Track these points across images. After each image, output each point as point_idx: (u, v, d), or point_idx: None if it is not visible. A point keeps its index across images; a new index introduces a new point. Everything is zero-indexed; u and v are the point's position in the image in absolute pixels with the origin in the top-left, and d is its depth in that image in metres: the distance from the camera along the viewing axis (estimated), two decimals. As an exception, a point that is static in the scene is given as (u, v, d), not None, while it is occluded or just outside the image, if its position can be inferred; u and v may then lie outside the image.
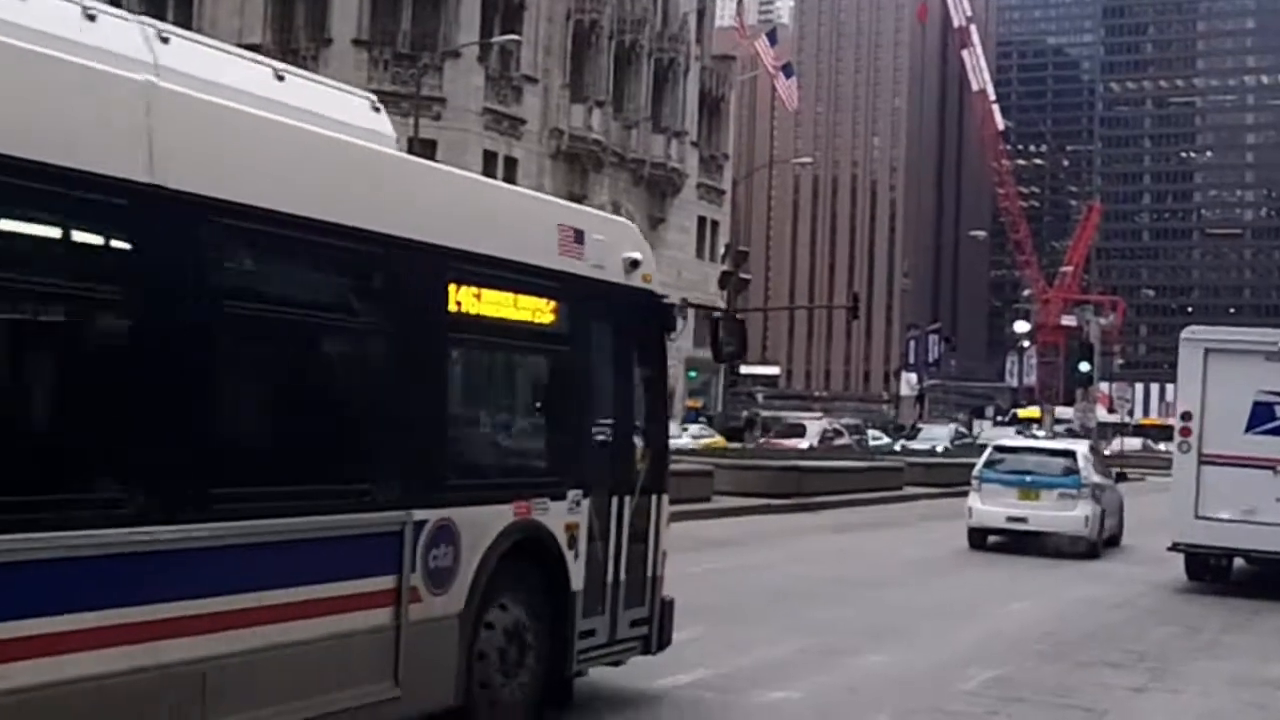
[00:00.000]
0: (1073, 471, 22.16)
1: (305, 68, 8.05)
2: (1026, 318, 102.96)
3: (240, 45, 8.24)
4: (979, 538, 22.26)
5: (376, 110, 7.91)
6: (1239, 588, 17.89)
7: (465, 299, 7.52)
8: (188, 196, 5.76)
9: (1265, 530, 16.73)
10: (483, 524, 7.53)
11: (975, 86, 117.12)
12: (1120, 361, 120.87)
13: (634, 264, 9.00)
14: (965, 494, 23.23)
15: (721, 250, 62.19)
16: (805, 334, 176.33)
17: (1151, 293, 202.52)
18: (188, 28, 7.02)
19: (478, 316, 7.63)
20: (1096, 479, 22.79)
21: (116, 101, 5.60)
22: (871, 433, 61.30)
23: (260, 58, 7.40)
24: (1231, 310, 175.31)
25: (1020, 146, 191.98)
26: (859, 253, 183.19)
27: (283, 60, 7.95)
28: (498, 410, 8.59)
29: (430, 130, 45.06)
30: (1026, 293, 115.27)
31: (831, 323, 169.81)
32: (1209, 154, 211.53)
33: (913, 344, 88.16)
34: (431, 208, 7.40)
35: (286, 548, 6.28)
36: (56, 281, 5.39)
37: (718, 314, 11.09)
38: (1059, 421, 65.42)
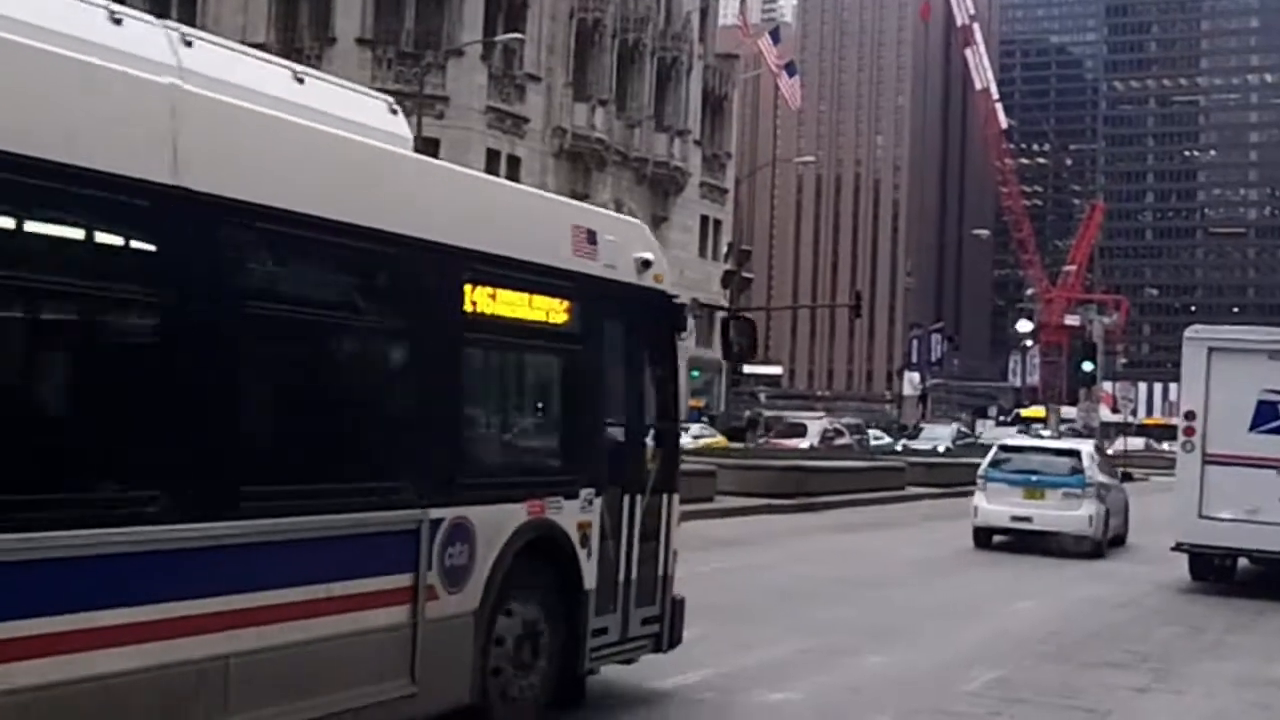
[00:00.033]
0: (1078, 471, 22.22)
1: (309, 66, 8.03)
2: (1030, 317, 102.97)
3: (243, 44, 8.23)
4: (984, 537, 22.34)
5: (394, 112, 8.00)
6: (1243, 588, 17.86)
7: (481, 299, 7.59)
8: (211, 198, 5.84)
9: (1269, 530, 16.68)
10: (497, 522, 7.60)
11: (978, 85, 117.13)
12: (1123, 361, 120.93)
13: (646, 264, 9.06)
14: (968, 494, 23.20)
15: (724, 249, 62.28)
16: (808, 333, 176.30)
17: (1155, 292, 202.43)
18: (191, 26, 7.02)
19: (493, 317, 7.70)
20: (1101, 479, 22.84)
21: (143, 104, 5.69)
22: (872, 432, 61.23)
23: (280, 60, 7.50)
24: (1235, 309, 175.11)
25: (1023, 145, 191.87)
26: (862, 252, 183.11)
27: (286, 59, 7.99)
28: (512, 409, 8.69)
29: (433, 129, 45.07)
30: (1030, 292, 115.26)
31: (834, 322, 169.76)
32: (1212, 153, 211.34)
33: (915, 343, 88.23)
34: (449, 209, 7.47)
35: (308, 545, 6.37)
36: (84, 282, 5.47)
37: (728, 314, 11.02)
38: (1064, 421, 65.39)
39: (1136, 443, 71.26)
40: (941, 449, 52.06)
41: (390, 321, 7.22)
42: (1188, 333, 18.20)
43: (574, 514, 8.20)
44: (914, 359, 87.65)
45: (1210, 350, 17.56)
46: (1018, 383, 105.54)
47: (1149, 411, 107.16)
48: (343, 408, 7.00)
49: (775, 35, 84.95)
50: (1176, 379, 20.54)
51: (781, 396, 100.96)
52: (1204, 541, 17.45)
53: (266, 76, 6.96)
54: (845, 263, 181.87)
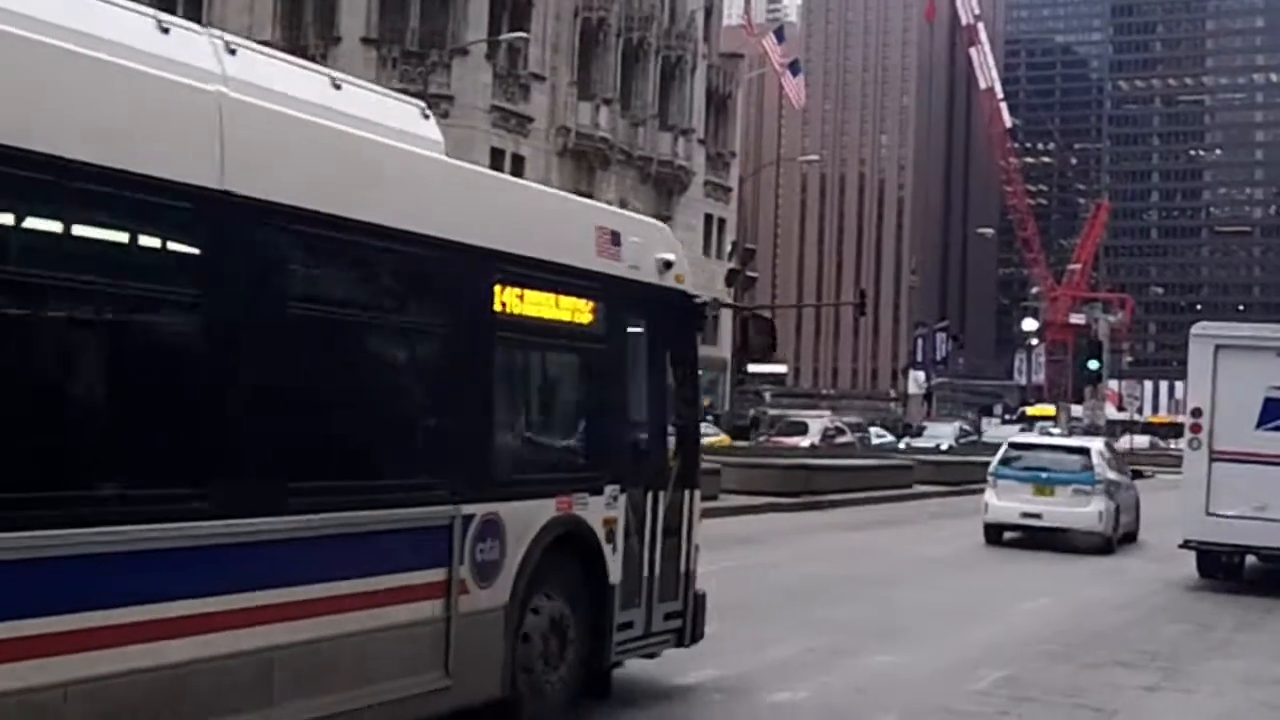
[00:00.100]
0: (1088, 468, 22.34)
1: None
2: (1035, 315, 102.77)
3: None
4: (995, 533, 22.50)
5: (426, 117, 8.14)
6: (1251, 586, 17.80)
7: (511, 300, 7.76)
8: (255, 201, 6.00)
9: (1277, 527, 16.63)
10: (527, 518, 7.75)
11: (983, 84, 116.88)
12: (1129, 359, 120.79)
13: (667, 264, 9.19)
14: (976, 492, 23.18)
15: (728, 248, 62.16)
16: (813, 332, 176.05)
17: (1160, 290, 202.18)
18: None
19: (522, 317, 7.87)
20: (1111, 476, 22.94)
21: (191, 111, 5.87)
22: (874, 430, 61.00)
23: (318, 68, 7.66)
24: (1240, 308, 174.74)
25: (1028, 144, 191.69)
26: (866, 250, 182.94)
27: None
28: (540, 408, 8.82)
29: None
30: (1035, 290, 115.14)
31: (839, 321, 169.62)
32: (1218, 152, 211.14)
33: (920, 342, 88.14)
34: (480, 212, 7.63)
35: (348, 541, 6.53)
36: (133, 284, 5.64)
37: (747, 313, 11.04)
38: (1073, 420, 65.24)
39: (1141, 441, 71.17)
40: (944, 447, 51.98)
41: (425, 322, 7.41)
42: (1194, 330, 18.14)
43: (599, 510, 8.34)
44: (919, 358, 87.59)
45: (1217, 348, 17.49)
46: (1023, 381, 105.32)
47: (1154, 410, 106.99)
48: (380, 406, 7.20)
49: (779, 34, 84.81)
50: (1181, 377, 20.54)
51: (786, 395, 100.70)
52: (1212, 539, 17.39)
53: (305, 83, 7.11)
54: (850, 261, 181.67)
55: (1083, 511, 21.95)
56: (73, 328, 5.55)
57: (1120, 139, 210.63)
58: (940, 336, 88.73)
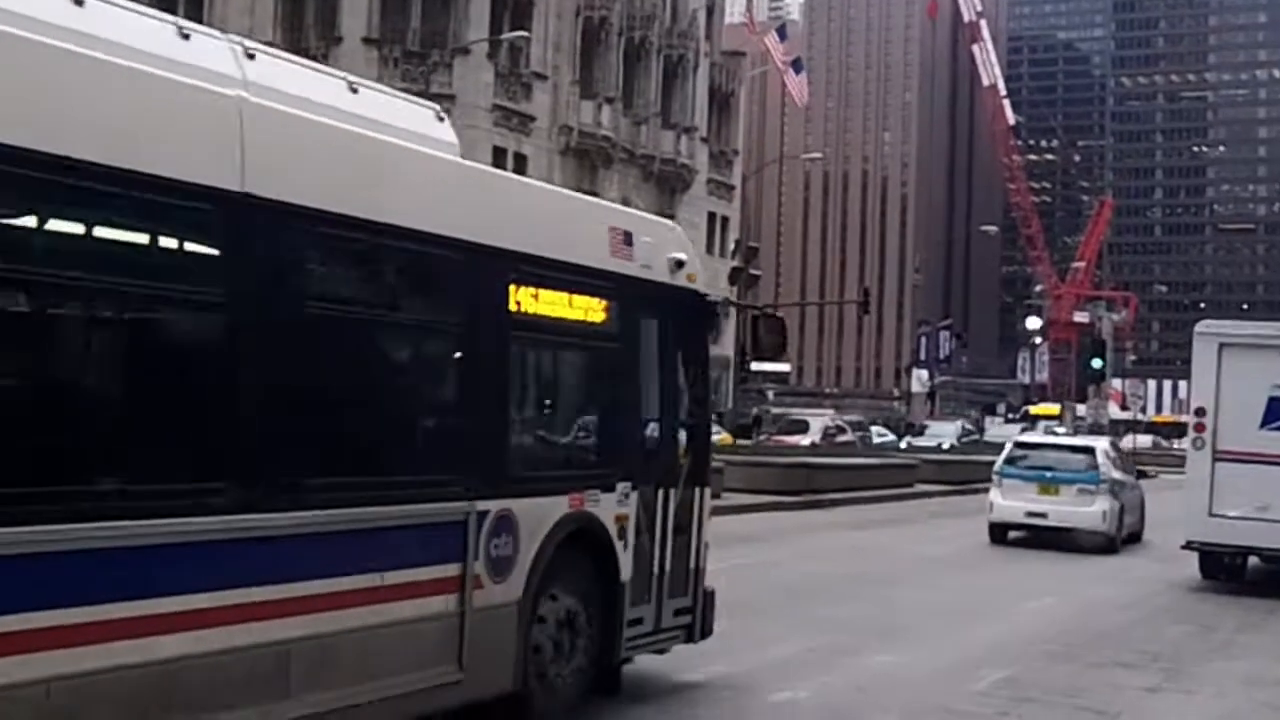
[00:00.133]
0: (1092, 468, 22.43)
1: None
2: (1038, 314, 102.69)
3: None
4: (1000, 532, 22.59)
5: (440, 119, 8.24)
6: (1254, 587, 17.75)
7: (526, 300, 7.87)
8: (275, 203, 6.14)
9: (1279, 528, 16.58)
10: (540, 515, 7.86)
11: (986, 81, 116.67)
12: (1133, 358, 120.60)
13: (679, 264, 9.30)
14: (978, 492, 23.18)
15: (731, 246, 62.10)
16: (816, 330, 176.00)
17: (1164, 288, 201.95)
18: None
19: (537, 316, 7.99)
20: (1116, 475, 23.01)
21: (212, 116, 6.00)
22: (875, 429, 60.76)
23: (335, 71, 7.73)
24: (1244, 306, 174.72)
25: (1031, 141, 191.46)
26: (869, 248, 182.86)
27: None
28: (553, 405, 8.96)
29: (439, 127, 44.94)
30: (1038, 288, 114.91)
31: (842, 319, 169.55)
32: (1221, 149, 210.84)
33: (924, 340, 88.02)
34: (495, 212, 7.73)
35: (364, 536, 6.64)
36: (155, 284, 5.78)
37: (758, 311, 11.13)
38: (1078, 419, 65.10)
39: (1144, 440, 71.07)
40: (946, 446, 51.90)
41: (442, 322, 7.56)
42: (1198, 328, 18.05)
43: (611, 507, 8.44)
44: (922, 356, 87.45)
45: (1221, 346, 17.43)
46: (1026, 380, 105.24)
47: (1158, 409, 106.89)
48: (397, 403, 7.40)
49: (782, 32, 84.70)
50: (1186, 376, 20.46)
51: (790, 394, 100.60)
52: (1214, 540, 17.33)
53: (322, 87, 7.22)
54: (853, 259, 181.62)
55: (1087, 511, 22.05)
56: (98, 326, 5.70)
57: (1123, 136, 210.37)
58: (943, 335, 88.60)
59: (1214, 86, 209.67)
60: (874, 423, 65.90)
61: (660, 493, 9.01)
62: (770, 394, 77.94)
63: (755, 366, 53.69)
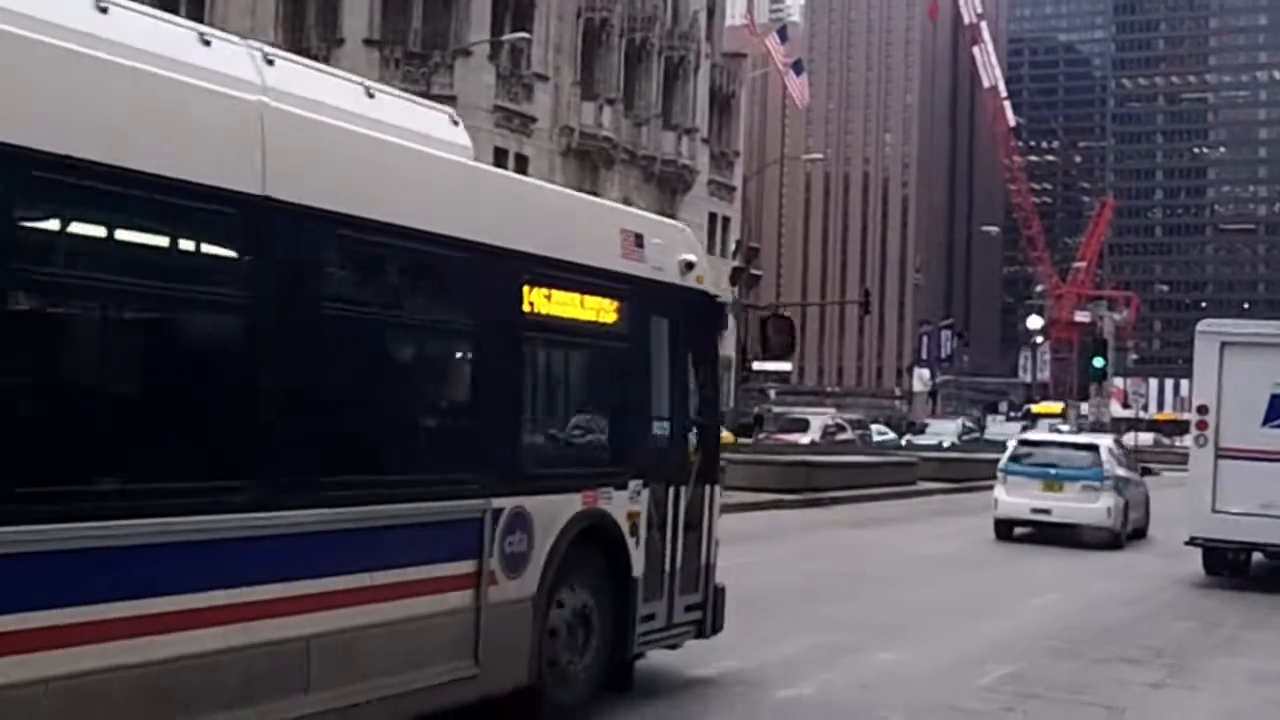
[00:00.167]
0: (1096, 465, 22.60)
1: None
2: (1040, 313, 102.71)
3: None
4: (1005, 529, 22.81)
5: (455, 124, 8.36)
6: (1257, 583, 17.76)
7: (539, 301, 7.97)
8: (295, 206, 6.22)
9: (1283, 524, 16.59)
10: (554, 512, 7.95)
11: (986, 83, 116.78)
12: (1134, 357, 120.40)
13: (689, 265, 9.41)
14: (979, 490, 23.23)
15: (732, 247, 62.07)
16: (817, 330, 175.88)
17: (1165, 288, 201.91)
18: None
19: (550, 317, 8.10)
20: (1120, 472, 23.19)
21: (234, 120, 6.09)
22: (875, 428, 60.67)
23: (351, 76, 7.79)
24: (1245, 305, 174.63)
25: (1032, 143, 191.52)
26: (870, 249, 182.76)
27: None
28: (566, 404, 9.01)
29: (440, 128, 44.92)
30: (1039, 288, 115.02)
31: (844, 319, 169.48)
32: (1222, 149, 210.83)
33: (925, 340, 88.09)
34: (509, 215, 7.83)
35: (382, 533, 6.71)
36: (178, 286, 5.91)
37: (767, 312, 11.17)
38: (1082, 418, 65.07)
39: (1145, 438, 71.03)
40: (946, 445, 51.88)
41: (458, 323, 7.68)
42: (1200, 327, 18.06)
43: (624, 504, 8.54)
44: (924, 355, 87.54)
45: (1223, 344, 17.44)
46: (1028, 379, 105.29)
47: (1160, 407, 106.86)
48: (414, 403, 7.56)
49: (783, 34, 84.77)
50: (1187, 375, 20.46)
51: (791, 393, 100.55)
52: (1218, 536, 17.34)
53: (340, 92, 7.31)
54: (854, 260, 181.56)
55: (1091, 507, 22.25)
56: (123, 327, 5.82)
57: (1124, 137, 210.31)
58: (945, 334, 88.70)
59: (1214, 88, 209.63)
60: (874, 421, 65.85)
61: (671, 490, 9.11)
62: (772, 393, 77.91)
63: (757, 366, 53.63)
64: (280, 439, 6.17)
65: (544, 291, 7.98)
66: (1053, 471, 22.70)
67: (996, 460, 24.96)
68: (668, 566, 9.05)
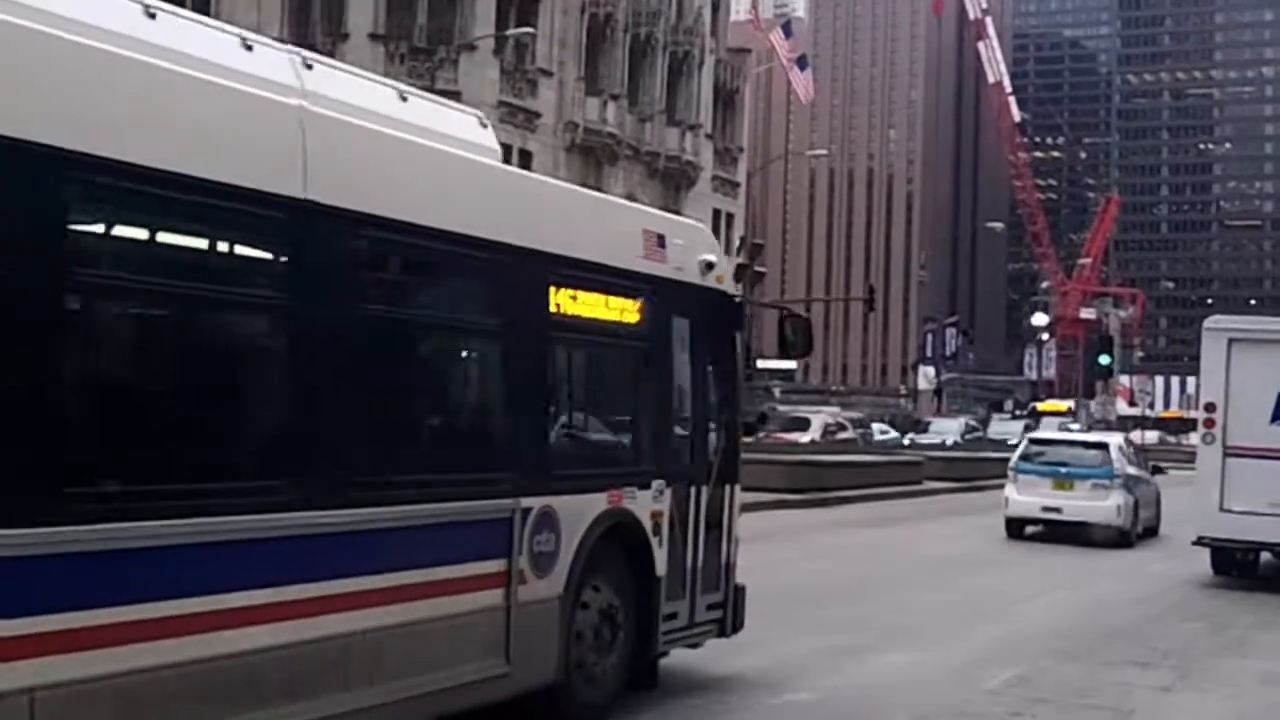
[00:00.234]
0: (1106, 463, 22.77)
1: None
2: (1045, 310, 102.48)
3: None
4: (1016, 527, 23.02)
5: (484, 126, 8.54)
6: (1266, 583, 17.64)
7: (565, 301, 8.09)
8: (335, 210, 6.33)
9: (1292, 524, 16.46)
10: (580, 511, 8.04)
11: (991, 79, 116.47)
12: (1140, 354, 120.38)
13: (710, 265, 9.52)
14: (983, 489, 23.22)
15: (737, 243, 62.03)
16: (821, 327, 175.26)
17: (1171, 285, 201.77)
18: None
19: (576, 318, 8.21)
20: (1130, 471, 23.35)
21: (276, 124, 6.23)
22: (877, 427, 60.30)
23: (386, 80, 7.97)
24: (1252, 301, 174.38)
25: (1037, 139, 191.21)
26: (875, 246, 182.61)
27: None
28: (591, 404, 9.11)
29: (445, 124, 44.88)
30: (1045, 285, 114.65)
31: (848, 316, 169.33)
32: (1228, 146, 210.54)
33: (930, 337, 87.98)
34: (536, 216, 7.95)
35: (417, 532, 6.83)
36: (223, 288, 6.06)
37: (784, 311, 11.26)
38: (1097, 422, 64.83)
39: (1151, 436, 70.91)
40: (950, 443, 51.74)
41: (489, 324, 7.75)
42: (1207, 323, 17.94)
43: (647, 504, 8.62)
44: (928, 353, 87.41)
45: (1230, 341, 17.31)
46: (1034, 376, 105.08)
47: (1165, 405, 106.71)
48: (447, 403, 7.79)
49: (787, 29, 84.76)
50: (1192, 372, 20.41)
51: (795, 391, 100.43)
52: (1225, 535, 17.22)
53: (374, 95, 7.43)
54: (858, 257, 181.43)
55: (1101, 505, 22.39)
56: (171, 329, 5.95)
57: (1129, 133, 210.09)
58: (950, 332, 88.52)
59: (1220, 84, 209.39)
60: (877, 419, 65.60)
61: (693, 490, 9.18)
62: (776, 391, 77.86)
63: (761, 364, 53.57)
64: (320, 439, 6.27)
65: (570, 292, 8.09)
66: (1063, 470, 22.86)
67: (1001, 459, 24.97)
68: (689, 565, 9.14)
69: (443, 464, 7.31)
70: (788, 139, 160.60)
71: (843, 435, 48.88)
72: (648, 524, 8.61)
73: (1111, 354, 53.29)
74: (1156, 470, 25.59)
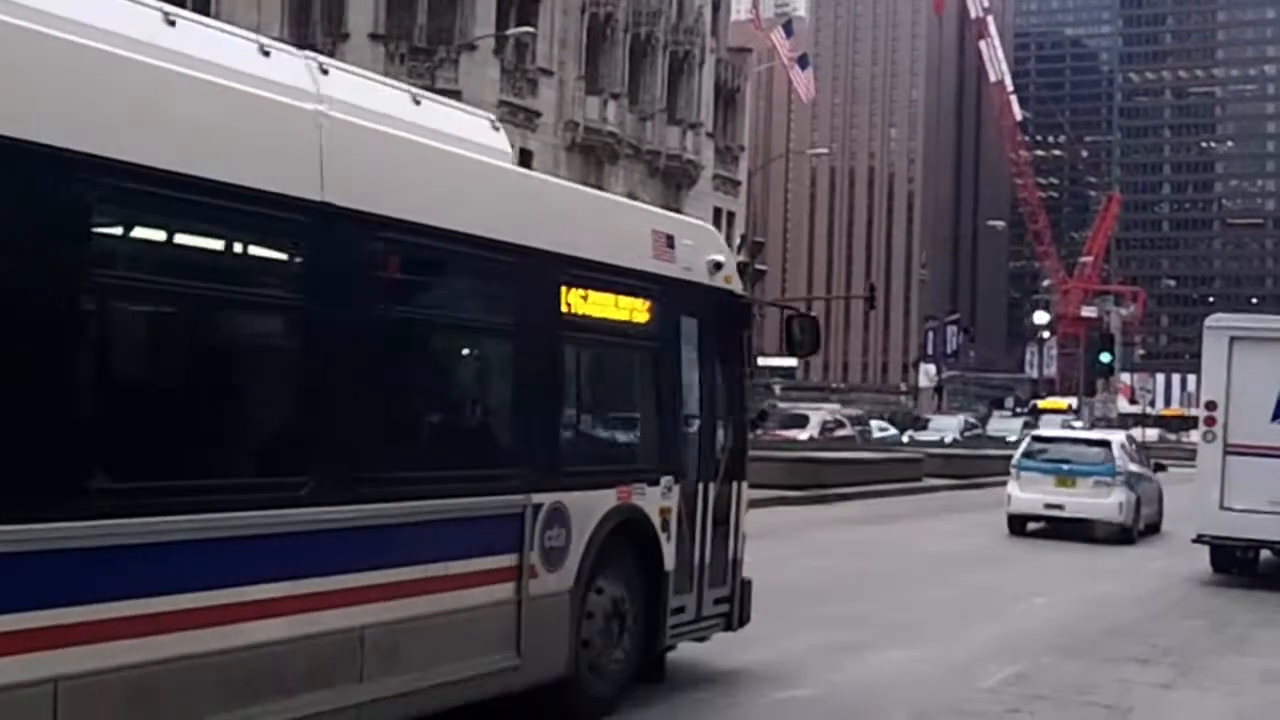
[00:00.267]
0: (1108, 460, 22.91)
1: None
2: (1046, 308, 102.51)
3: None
4: (1018, 524, 23.16)
5: (496, 129, 8.60)
6: (1266, 581, 17.63)
7: (576, 301, 8.23)
8: (351, 212, 6.46)
9: (1292, 522, 16.46)
10: (590, 507, 8.18)
11: (993, 77, 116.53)
12: (1141, 352, 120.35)
13: (717, 266, 9.65)
14: (983, 486, 23.27)
15: (737, 241, 61.99)
16: (823, 325, 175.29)
17: (1172, 283, 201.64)
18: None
19: (587, 317, 8.35)
20: (1132, 468, 23.47)
21: (295, 129, 6.37)
22: (876, 424, 60.17)
23: (400, 84, 8.05)
24: (1253, 300, 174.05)
25: (1038, 137, 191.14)
26: (876, 244, 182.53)
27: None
28: (601, 402, 9.23)
29: (445, 123, 44.88)
30: (1046, 283, 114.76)
31: (849, 314, 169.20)
32: (1229, 144, 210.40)
33: (931, 335, 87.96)
34: (549, 218, 8.07)
35: (430, 527, 6.97)
36: (243, 289, 6.24)
37: (792, 311, 11.35)
38: (1100, 420, 64.80)
39: (1151, 434, 70.88)
40: (948, 440, 51.70)
41: (501, 323, 7.89)
42: (1209, 321, 17.93)
43: (656, 500, 8.76)
44: (929, 351, 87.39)
45: (1232, 339, 17.30)
46: (1034, 374, 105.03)
47: (1166, 403, 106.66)
48: (460, 400, 7.96)
49: (788, 28, 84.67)
50: (1194, 370, 20.43)
51: (796, 389, 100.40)
52: (1225, 533, 17.22)
53: (388, 99, 7.54)
54: (859, 255, 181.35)
55: (1103, 502, 22.51)
56: (195, 330, 6.08)
57: (1131, 131, 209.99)
58: (951, 330, 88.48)
59: (1222, 82, 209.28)
60: (877, 416, 65.51)
61: (701, 486, 9.32)
62: (777, 388, 77.85)
63: (762, 361, 53.55)
64: (338, 436, 6.39)
65: (581, 292, 8.23)
66: (1065, 467, 23.00)
67: (1000, 457, 25.06)
68: (697, 560, 9.27)
69: (457, 461, 7.44)
70: (789, 138, 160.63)
71: (841, 432, 48.83)
72: (656, 520, 8.73)
73: (1112, 352, 53.35)
74: (1159, 468, 25.66)
